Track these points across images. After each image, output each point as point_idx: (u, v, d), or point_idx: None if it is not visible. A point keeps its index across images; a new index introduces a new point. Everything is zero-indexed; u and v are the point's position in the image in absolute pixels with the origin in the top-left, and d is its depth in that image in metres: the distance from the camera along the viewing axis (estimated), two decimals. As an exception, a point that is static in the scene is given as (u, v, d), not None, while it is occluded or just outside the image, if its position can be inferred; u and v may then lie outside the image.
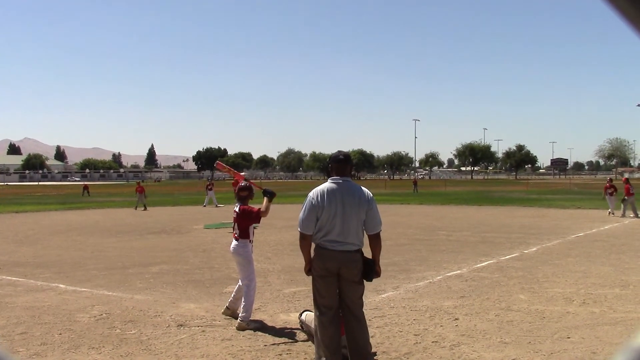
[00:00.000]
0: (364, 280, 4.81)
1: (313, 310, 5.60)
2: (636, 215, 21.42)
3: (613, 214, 22.04)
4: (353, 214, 4.68)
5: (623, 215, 21.52)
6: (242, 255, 6.43)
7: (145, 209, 27.29)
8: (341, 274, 4.69)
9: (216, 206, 29.34)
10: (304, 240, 4.81)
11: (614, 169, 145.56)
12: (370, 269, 4.78)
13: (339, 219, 4.65)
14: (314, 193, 4.79)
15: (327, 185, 4.82)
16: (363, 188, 4.88)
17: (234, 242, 6.49)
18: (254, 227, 6.66)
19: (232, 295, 6.69)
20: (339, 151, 5.08)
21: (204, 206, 29.48)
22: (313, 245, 4.85)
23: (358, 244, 4.74)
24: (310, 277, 4.91)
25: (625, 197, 21.88)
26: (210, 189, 30.36)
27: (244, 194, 6.58)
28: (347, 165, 4.92)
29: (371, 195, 4.84)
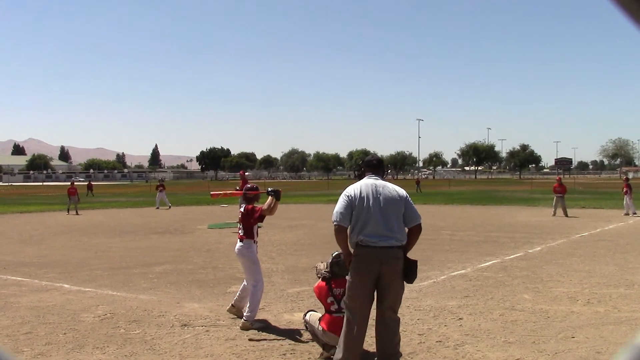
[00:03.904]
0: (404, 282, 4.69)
1: (317, 310, 5.60)
2: (554, 213, 21.76)
3: (635, 213, 21.91)
4: (391, 206, 4.64)
5: (554, 215, 21.66)
6: (246, 256, 6.45)
7: (77, 213, 25.61)
8: (382, 273, 4.53)
9: (168, 207, 28.59)
10: (339, 233, 4.67)
11: (618, 169, 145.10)
12: (412, 270, 4.64)
13: (377, 210, 4.59)
14: (350, 188, 4.80)
15: (363, 181, 4.85)
16: (396, 186, 4.91)
17: (239, 243, 6.51)
18: (258, 227, 6.69)
19: (238, 294, 6.69)
20: (372, 155, 5.28)
21: (157, 208, 28.56)
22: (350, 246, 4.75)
23: (401, 239, 4.61)
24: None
25: (558, 195, 22.12)
26: (161, 190, 29.88)
27: (250, 195, 6.66)
28: (379, 170, 4.99)
29: (405, 192, 4.85)
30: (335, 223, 4.68)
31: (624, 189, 22.40)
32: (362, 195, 4.67)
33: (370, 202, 4.62)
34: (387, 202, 4.65)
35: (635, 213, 21.88)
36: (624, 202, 22.40)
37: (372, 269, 4.53)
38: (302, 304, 7.28)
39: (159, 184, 31.18)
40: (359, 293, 4.59)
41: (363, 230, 4.56)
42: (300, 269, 9.94)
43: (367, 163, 5.02)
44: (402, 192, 4.79)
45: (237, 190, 7.60)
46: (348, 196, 4.71)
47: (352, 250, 4.66)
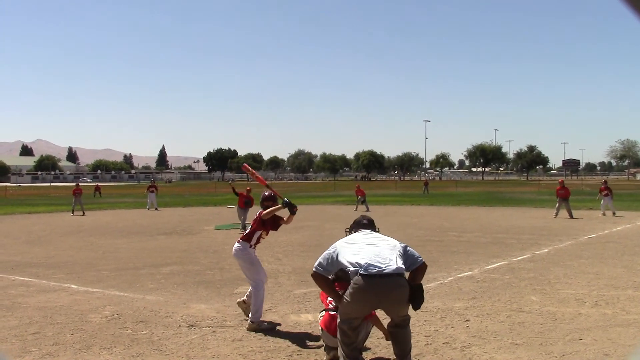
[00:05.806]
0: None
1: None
2: (556, 215, 21.66)
3: (604, 214, 22.26)
4: (383, 243, 4.68)
5: (556, 216, 21.59)
6: (241, 257, 6.54)
7: (83, 213, 25.87)
8: (385, 304, 4.48)
9: (156, 209, 28.52)
10: (318, 279, 4.73)
11: (626, 170, 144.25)
12: (418, 295, 4.51)
13: (367, 247, 4.62)
14: (338, 241, 4.83)
15: (352, 234, 4.98)
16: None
17: (235, 244, 6.60)
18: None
19: (249, 290, 6.69)
20: (362, 216, 5.30)
21: (148, 209, 28.64)
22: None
23: (400, 266, 4.49)
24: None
25: (561, 198, 22.06)
26: (152, 191, 29.46)
27: (268, 204, 6.70)
28: (370, 228, 5.07)
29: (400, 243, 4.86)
30: (314, 269, 4.74)
31: (603, 191, 22.90)
32: (353, 239, 4.79)
33: (363, 241, 4.72)
34: (377, 240, 4.75)
35: (614, 213, 22.32)
36: (602, 203, 22.85)
37: (369, 298, 4.44)
38: (309, 305, 7.29)
39: (150, 185, 31.03)
40: (352, 315, 4.56)
41: (360, 267, 4.43)
42: (307, 270, 9.89)
43: (357, 224, 5.12)
44: (393, 240, 4.83)
45: (261, 179, 7.63)
46: (334, 247, 4.76)
47: (351, 281, 4.56)
